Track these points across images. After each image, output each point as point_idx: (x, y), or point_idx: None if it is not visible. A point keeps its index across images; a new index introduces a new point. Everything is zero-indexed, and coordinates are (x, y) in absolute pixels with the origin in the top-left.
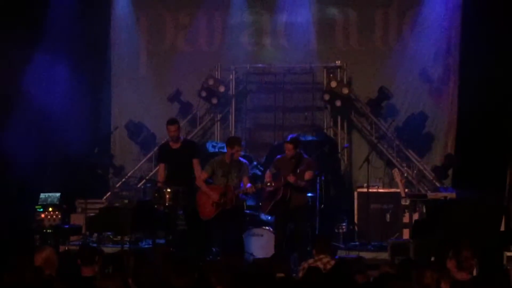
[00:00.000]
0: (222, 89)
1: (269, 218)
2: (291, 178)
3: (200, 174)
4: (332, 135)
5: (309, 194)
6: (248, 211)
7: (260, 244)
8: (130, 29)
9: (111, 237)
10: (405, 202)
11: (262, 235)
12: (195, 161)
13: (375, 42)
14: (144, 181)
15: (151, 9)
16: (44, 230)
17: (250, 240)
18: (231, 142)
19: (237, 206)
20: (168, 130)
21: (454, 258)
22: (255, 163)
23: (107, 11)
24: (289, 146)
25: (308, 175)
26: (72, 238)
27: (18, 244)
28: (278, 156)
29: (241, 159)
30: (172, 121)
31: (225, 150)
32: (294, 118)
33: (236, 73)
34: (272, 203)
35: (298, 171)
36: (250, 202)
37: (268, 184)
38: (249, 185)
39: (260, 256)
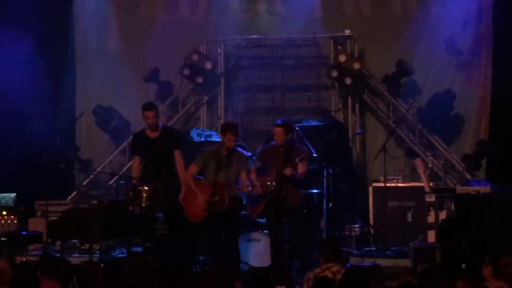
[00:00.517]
0: (208, 66)
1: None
2: (288, 171)
3: (183, 168)
4: (341, 119)
5: (315, 191)
6: (243, 212)
7: (257, 251)
8: None
9: (78, 245)
10: (430, 198)
11: (259, 240)
12: (177, 153)
13: (392, 7)
14: (116, 177)
15: None
16: None
17: (245, 246)
18: (223, 128)
19: (232, 207)
20: (145, 116)
21: (490, 265)
22: (249, 154)
23: None
24: (279, 131)
25: (302, 167)
26: (31, 247)
27: None
28: (263, 147)
29: (241, 150)
30: (149, 106)
31: (213, 138)
32: (296, 99)
33: (225, 47)
34: (264, 202)
35: (291, 162)
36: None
37: (269, 184)
38: (248, 183)
39: (257, 265)
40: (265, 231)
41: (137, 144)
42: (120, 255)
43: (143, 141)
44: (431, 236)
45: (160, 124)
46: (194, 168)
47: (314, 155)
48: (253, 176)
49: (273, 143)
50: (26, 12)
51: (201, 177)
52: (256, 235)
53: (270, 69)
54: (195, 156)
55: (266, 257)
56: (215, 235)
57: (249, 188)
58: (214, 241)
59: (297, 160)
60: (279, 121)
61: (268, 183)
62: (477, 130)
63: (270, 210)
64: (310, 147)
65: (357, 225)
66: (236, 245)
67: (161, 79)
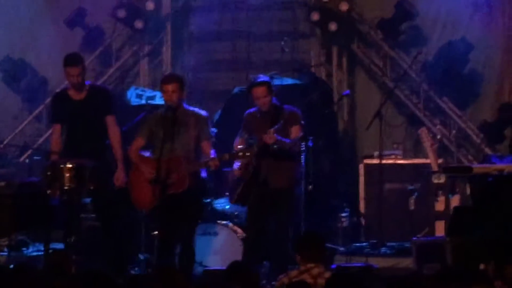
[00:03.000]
0: (151, 5)
1: (229, 208)
2: (268, 138)
3: (119, 138)
4: (323, 77)
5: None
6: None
7: (214, 248)
8: None
9: None
10: (439, 179)
11: (216, 234)
12: (110, 119)
13: None
14: (29, 151)
15: None
16: None
17: (200, 242)
18: (163, 81)
19: (194, 189)
20: (67, 73)
21: None
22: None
23: None
24: (261, 91)
25: (295, 131)
26: None
27: None
28: (248, 111)
29: (197, 110)
30: (72, 59)
31: (156, 101)
32: (265, 50)
33: None
34: (241, 186)
35: (277, 128)
36: None
37: (242, 153)
38: (212, 152)
39: (214, 267)
40: (224, 222)
41: (58, 109)
42: (35, 253)
43: (65, 104)
44: (440, 228)
45: (87, 82)
46: (139, 141)
47: None
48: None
49: (254, 109)
50: None
51: (147, 153)
52: (213, 227)
53: (231, 11)
54: (133, 123)
55: (226, 255)
56: (163, 227)
57: (215, 161)
58: (161, 235)
59: (270, 131)
60: (257, 80)
61: (240, 153)
62: (499, 91)
63: (250, 195)
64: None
65: (344, 214)
66: (191, 240)
67: (88, 23)
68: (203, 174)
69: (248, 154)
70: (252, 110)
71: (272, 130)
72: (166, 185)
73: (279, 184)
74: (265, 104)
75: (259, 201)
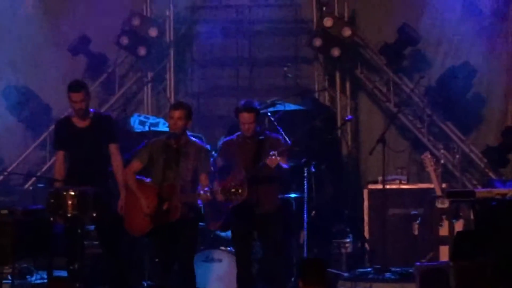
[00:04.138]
0: (153, 32)
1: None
2: (272, 161)
3: (122, 166)
4: (327, 102)
5: (293, 195)
6: (201, 224)
7: (218, 274)
8: None
9: None
10: (442, 204)
11: (220, 260)
12: (113, 147)
13: None
14: (33, 179)
15: None
16: None
17: (203, 268)
18: (171, 107)
19: (187, 218)
20: (71, 100)
21: None
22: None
23: None
24: (249, 117)
25: (283, 160)
26: None
27: None
28: (226, 139)
29: (197, 140)
30: (76, 86)
31: (160, 128)
32: (268, 76)
33: (176, 8)
34: (230, 208)
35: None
36: None
37: (234, 189)
38: (206, 188)
39: None
40: (228, 247)
41: (61, 136)
42: (39, 281)
43: (69, 131)
44: (444, 253)
45: (92, 110)
46: (136, 165)
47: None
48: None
49: (237, 134)
50: None
51: (145, 178)
52: (217, 253)
53: (234, 37)
54: (135, 150)
55: (229, 282)
56: (163, 254)
57: (208, 194)
58: (161, 261)
59: (273, 154)
60: (245, 103)
61: (233, 190)
62: (503, 116)
63: (237, 219)
64: (287, 138)
65: (348, 240)
66: (190, 266)
67: (91, 50)
68: (199, 204)
69: (240, 191)
70: (229, 138)
71: (275, 153)
72: (158, 214)
73: (269, 209)
74: (250, 130)
75: (246, 226)
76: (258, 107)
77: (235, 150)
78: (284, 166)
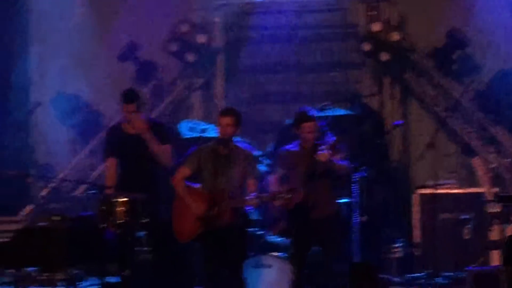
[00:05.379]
0: (202, 39)
1: (281, 239)
2: (323, 156)
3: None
4: (376, 107)
5: (343, 200)
6: (252, 230)
7: (268, 281)
8: None
9: (35, 275)
10: (493, 208)
11: (270, 267)
12: (166, 146)
13: None
14: (83, 186)
15: None
16: None
17: (252, 274)
18: (220, 113)
19: (236, 223)
20: (125, 110)
21: None
22: (257, 152)
23: None
24: (312, 126)
25: (336, 156)
26: None
27: None
28: (286, 148)
29: (245, 146)
30: (130, 96)
31: (209, 134)
32: (316, 81)
33: (224, 15)
34: (287, 213)
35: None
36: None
37: (279, 195)
38: (253, 194)
39: None
40: (278, 253)
41: (112, 143)
42: (90, 287)
43: (120, 138)
44: (495, 257)
45: (143, 116)
46: (185, 171)
47: None
48: (274, 185)
49: (296, 145)
50: None
51: (194, 184)
52: (267, 259)
53: (282, 43)
54: (185, 157)
55: (280, 287)
56: (211, 260)
57: (256, 200)
58: (210, 268)
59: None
60: (308, 111)
61: (279, 195)
62: None
63: (295, 225)
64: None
65: (398, 244)
66: (239, 272)
67: (140, 57)
68: (248, 209)
69: (289, 196)
70: (288, 147)
71: (324, 147)
72: (208, 218)
73: (326, 211)
74: (311, 140)
75: (303, 231)
76: (316, 116)
77: (296, 159)
78: (339, 162)
